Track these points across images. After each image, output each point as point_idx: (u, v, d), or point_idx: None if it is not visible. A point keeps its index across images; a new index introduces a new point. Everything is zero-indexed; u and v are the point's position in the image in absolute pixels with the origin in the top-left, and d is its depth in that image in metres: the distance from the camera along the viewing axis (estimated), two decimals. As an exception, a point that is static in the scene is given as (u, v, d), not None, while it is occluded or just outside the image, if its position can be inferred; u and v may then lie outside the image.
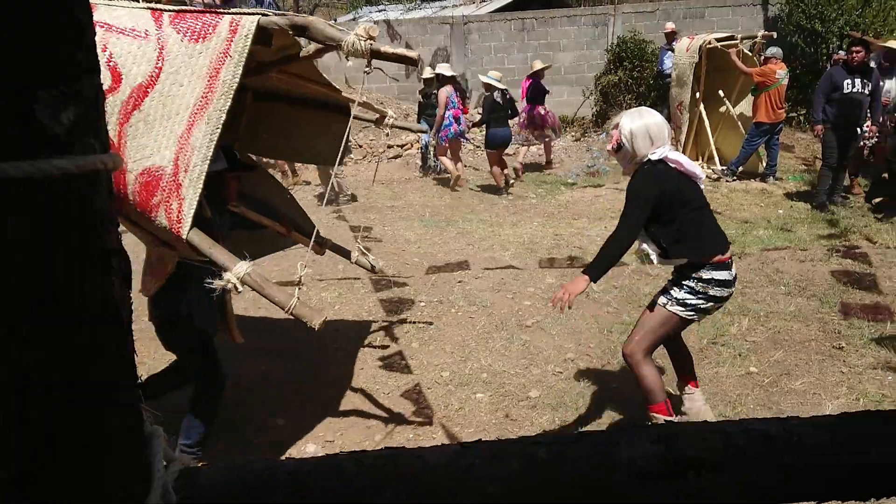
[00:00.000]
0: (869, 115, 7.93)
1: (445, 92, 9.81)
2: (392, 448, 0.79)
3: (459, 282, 5.95)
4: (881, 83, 8.08)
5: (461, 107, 10.20)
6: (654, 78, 12.80)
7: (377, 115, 4.57)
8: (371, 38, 2.58)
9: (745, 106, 9.92)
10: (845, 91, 7.70)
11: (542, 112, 10.78)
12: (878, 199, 8.04)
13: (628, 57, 13.33)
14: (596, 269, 3.14)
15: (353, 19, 17.15)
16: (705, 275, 3.19)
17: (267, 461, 0.79)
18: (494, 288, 5.76)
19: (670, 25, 11.99)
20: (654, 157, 3.22)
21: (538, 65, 11.04)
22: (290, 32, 2.63)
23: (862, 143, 8.58)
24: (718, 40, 9.60)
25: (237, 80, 2.48)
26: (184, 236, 2.43)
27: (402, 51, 2.70)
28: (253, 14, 2.53)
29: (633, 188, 3.24)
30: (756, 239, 6.82)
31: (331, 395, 4.16)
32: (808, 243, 6.66)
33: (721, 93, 9.86)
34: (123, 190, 2.45)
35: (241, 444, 3.66)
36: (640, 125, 3.22)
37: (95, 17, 2.36)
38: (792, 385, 4.02)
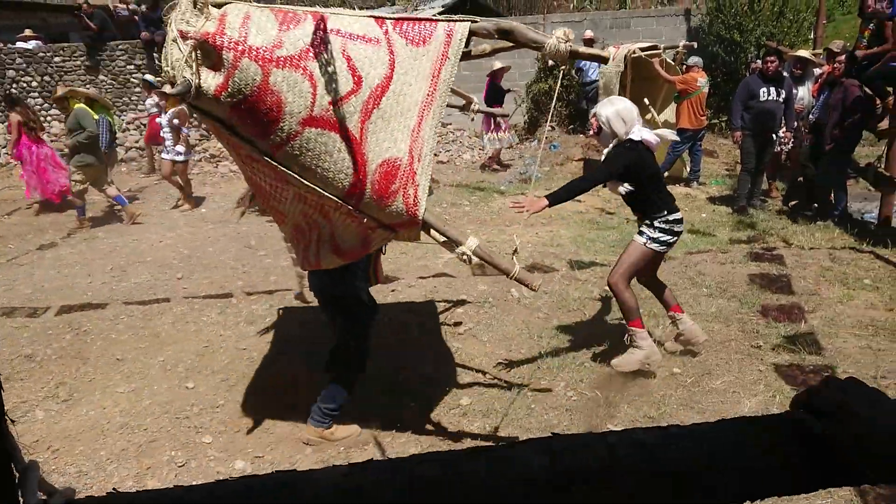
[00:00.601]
0: (784, 121, 8.29)
1: None
2: (282, 471, 0.79)
3: (392, 290, 5.95)
4: (794, 91, 8.46)
5: None
6: (580, 85, 13.07)
7: (464, 101, 4.69)
8: (569, 40, 2.91)
9: (668, 113, 10.22)
10: (761, 99, 8.03)
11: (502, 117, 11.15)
12: (793, 202, 8.42)
13: (558, 65, 13.57)
14: (555, 196, 3.88)
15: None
16: (671, 217, 4.16)
17: (153, 491, 0.78)
18: (427, 296, 5.78)
19: (589, 33, 12.30)
20: (634, 138, 4.03)
21: (497, 64, 11.16)
22: (496, 36, 2.94)
23: (779, 149, 8.96)
24: (642, 50, 9.86)
25: (453, 78, 2.86)
26: (420, 217, 2.81)
27: (595, 51, 3.10)
28: (464, 20, 2.87)
29: (609, 155, 4.10)
30: (680, 242, 7.00)
31: (260, 409, 4.09)
32: (728, 246, 6.91)
33: (646, 100, 10.13)
34: (363, 180, 2.67)
35: (163, 465, 3.56)
36: (613, 111, 4.05)
37: (331, 26, 2.57)
38: (713, 384, 4.16)
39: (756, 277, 5.90)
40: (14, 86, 13.84)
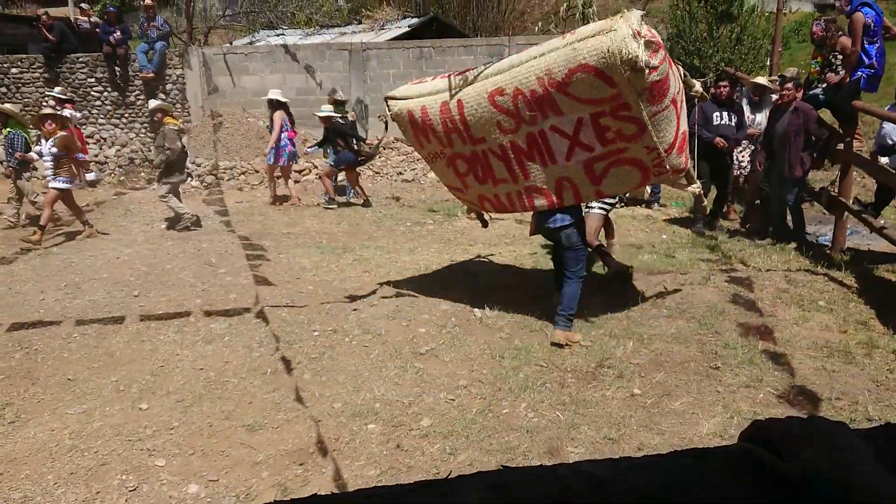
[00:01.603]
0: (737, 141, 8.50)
1: (280, 116, 10.58)
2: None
3: (354, 310, 5.90)
4: (751, 116, 8.66)
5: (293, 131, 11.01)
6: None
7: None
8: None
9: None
10: (715, 123, 8.20)
11: None
12: (750, 224, 8.58)
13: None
14: None
15: (251, 42, 16.86)
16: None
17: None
18: (389, 315, 5.73)
19: None
20: None
21: None
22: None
23: (738, 172, 9.15)
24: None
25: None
26: (688, 167, 5.07)
27: (748, 77, 5.06)
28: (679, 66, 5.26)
29: None
30: (642, 263, 7.11)
31: (216, 431, 4.01)
32: (688, 266, 7.00)
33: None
34: (675, 141, 4.67)
35: (113, 489, 3.45)
36: None
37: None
38: (672, 405, 4.19)
39: (715, 298, 5.98)
40: (-31, 97, 13.50)
